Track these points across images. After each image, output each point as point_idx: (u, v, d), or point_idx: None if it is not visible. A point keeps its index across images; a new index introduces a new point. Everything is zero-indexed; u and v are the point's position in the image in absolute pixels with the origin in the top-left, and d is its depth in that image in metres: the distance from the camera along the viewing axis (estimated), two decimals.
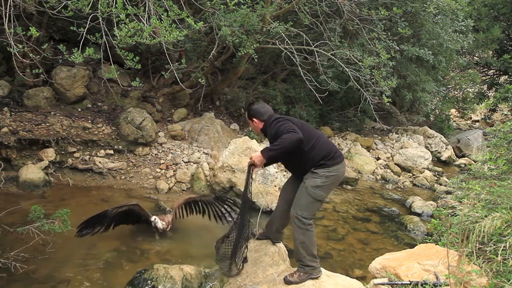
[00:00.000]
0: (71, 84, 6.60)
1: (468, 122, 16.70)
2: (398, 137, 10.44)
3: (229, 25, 5.68)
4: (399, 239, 5.33)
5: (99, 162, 6.06)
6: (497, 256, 2.73)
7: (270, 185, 5.79)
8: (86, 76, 6.85)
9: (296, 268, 3.07)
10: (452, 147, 11.01)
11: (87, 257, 3.93)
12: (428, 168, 9.00)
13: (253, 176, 3.29)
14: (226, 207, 4.65)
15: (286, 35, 6.28)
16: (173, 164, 6.53)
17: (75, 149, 6.02)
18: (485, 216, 3.14)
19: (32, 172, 5.35)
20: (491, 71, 14.74)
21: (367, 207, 6.55)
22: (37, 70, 3.77)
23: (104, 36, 3.66)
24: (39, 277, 3.53)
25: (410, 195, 7.30)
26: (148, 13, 3.77)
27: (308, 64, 7.08)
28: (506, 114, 13.99)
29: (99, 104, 7.07)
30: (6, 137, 5.46)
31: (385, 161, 9.12)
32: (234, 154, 5.98)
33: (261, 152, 2.90)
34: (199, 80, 5.30)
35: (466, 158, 10.55)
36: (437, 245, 3.35)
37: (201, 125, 7.40)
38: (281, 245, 3.56)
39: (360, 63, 6.57)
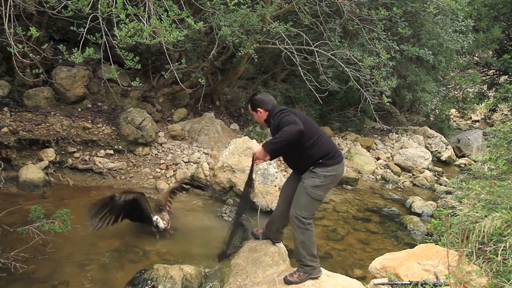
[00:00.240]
0: (71, 84, 6.59)
1: (468, 122, 16.70)
2: (398, 137, 10.44)
3: (229, 25, 5.68)
4: (399, 239, 5.33)
5: (99, 162, 6.06)
6: (497, 256, 2.73)
7: (270, 185, 5.80)
8: (86, 76, 6.85)
9: (296, 268, 3.07)
10: (452, 147, 11.02)
11: (87, 257, 3.94)
12: (428, 168, 9.00)
13: (253, 176, 3.31)
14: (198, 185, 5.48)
15: (286, 35, 6.28)
16: (173, 164, 6.53)
17: (75, 149, 6.02)
18: (485, 216, 3.14)
19: (32, 172, 5.35)
20: (491, 71, 14.74)
21: (367, 207, 6.55)
22: (37, 70, 3.77)
23: (104, 36, 3.66)
24: (39, 277, 3.53)
25: (410, 195, 7.31)
26: (148, 13, 3.77)
27: (308, 64, 7.08)
28: (506, 114, 13.99)
29: (99, 104, 7.07)
30: (6, 137, 5.46)
31: (385, 161, 9.12)
32: (234, 154, 5.98)
33: (262, 146, 2.90)
34: (199, 80, 5.30)
35: (466, 158, 10.55)
36: (437, 245, 3.35)
37: (201, 125, 7.40)
38: (281, 245, 3.56)
39: (360, 63, 6.57)
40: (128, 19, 3.50)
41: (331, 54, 6.74)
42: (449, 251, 2.68)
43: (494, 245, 2.87)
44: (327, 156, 2.93)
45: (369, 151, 9.26)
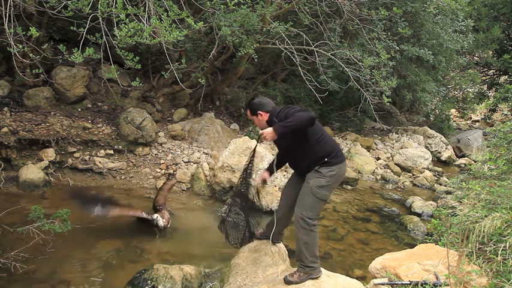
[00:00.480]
0: (71, 84, 6.60)
1: (468, 122, 16.70)
2: (398, 137, 10.44)
3: (229, 25, 5.68)
4: (399, 239, 5.33)
5: (99, 162, 6.06)
6: (497, 256, 2.73)
7: (270, 185, 5.79)
8: (86, 76, 6.85)
9: (296, 268, 3.06)
10: (452, 147, 11.02)
11: (87, 257, 3.94)
12: (428, 168, 9.00)
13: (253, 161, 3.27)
14: None
15: (286, 35, 6.28)
16: (173, 164, 6.53)
17: (75, 149, 6.02)
18: (485, 216, 3.14)
19: (32, 172, 5.35)
20: (491, 71, 14.74)
21: (367, 207, 6.55)
22: (37, 70, 3.77)
23: (104, 36, 3.66)
24: (39, 277, 3.53)
25: (410, 195, 7.31)
26: (148, 13, 3.77)
27: (308, 64, 7.09)
28: (506, 114, 13.99)
29: (99, 104, 7.07)
30: (6, 137, 5.46)
31: (385, 161, 9.12)
32: (234, 154, 5.98)
33: (273, 128, 2.77)
34: (199, 80, 5.30)
35: (466, 158, 10.56)
36: (437, 245, 3.35)
37: (201, 125, 7.40)
38: (281, 245, 3.56)
39: (360, 63, 6.57)
40: (128, 19, 3.50)
41: (331, 54, 6.74)
42: (449, 251, 2.67)
43: (494, 245, 2.87)
44: (331, 155, 2.91)
45: (369, 151, 9.26)
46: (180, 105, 8.12)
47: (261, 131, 2.86)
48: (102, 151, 6.25)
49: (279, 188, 5.75)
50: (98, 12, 3.50)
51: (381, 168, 8.78)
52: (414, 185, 8.26)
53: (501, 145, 4.93)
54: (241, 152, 6.00)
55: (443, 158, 10.32)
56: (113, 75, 3.80)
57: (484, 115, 16.04)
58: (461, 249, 2.75)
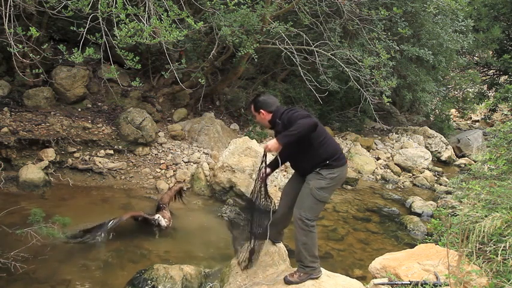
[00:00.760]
0: (71, 84, 6.60)
1: (468, 122, 16.69)
2: (398, 137, 10.44)
3: (229, 25, 5.68)
4: (399, 239, 5.33)
5: (99, 162, 6.06)
6: (497, 256, 2.73)
7: (269, 185, 5.79)
8: (86, 76, 6.85)
9: (296, 268, 3.06)
10: (452, 147, 11.01)
11: (87, 257, 3.94)
12: (428, 168, 9.00)
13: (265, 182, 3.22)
14: None
15: (286, 35, 6.28)
16: (173, 164, 6.53)
17: (75, 149, 6.02)
18: (485, 216, 3.13)
19: (32, 172, 5.35)
20: (491, 71, 14.74)
21: (367, 207, 6.55)
22: (37, 70, 3.77)
23: (104, 36, 3.66)
24: (39, 277, 3.53)
25: (410, 195, 7.31)
26: (148, 13, 3.77)
27: (308, 64, 7.08)
28: (506, 114, 13.98)
29: (99, 104, 7.07)
30: (6, 137, 5.46)
31: (385, 161, 9.12)
32: (234, 154, 5.98)
33: (276, 138, 2.81)
34: (199, 80, 5.30)
35: (466, 158, 10.55)
36: (437, 245, 3.35)
37: (201, 125, 7.40)
38: (281, 245, 3.56)
39: (360, 63, 6.57)
40: (128, 19, 3.50)
41: (331, 54, 6.74)
42: (449, 251, 2.67)
43: (494, 245, 2.87)
44: (333, 157, 2.91)
45: (369, 151, 9.26)
46: (180, 105, 8.12)
47: (265, 145, 2.89)
48: (102, 151, 6.25)
49: (279, 188, 5.76)
50: (98, 12, 3.51)
51: (380, 168, 8.78)
52: (414, 185, 8.26)
53: (501, 145, 4.92)
54: (241, 152, 6.00)
55: (443, 158, 10.32)
56: (113, 75, 3.81)
57: (484, 115, 16.04)
58: (461, 249, 2.75)
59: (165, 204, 4.81)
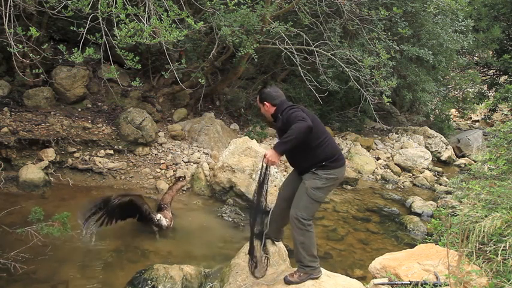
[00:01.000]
0: (71, 84, 6.60)
1: (468, 122, 16.69)
2: (398, 137, 10.44)
3: (229, 25, 5.68)
4: (399, 239, 5.33)
5: (99, 162, 6.06)
6: (497, 256, 2.73)
7: (270, 185, 5.79)
8: (86, 76, 6.85)
9: (296, 268, 3.07)
10: (452, 147, 11.01)
11: (87, 257, 3.94)
12: (428, 168, 9.00)
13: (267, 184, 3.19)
14: None
15: (286, 35, 6.27)
16: (173, 164, 6.53)
17: (75, 149, 6.02)
18: (485, 216, 3.13)
19: (32, 172, 5.35)
20: (491, 71, 14.74)
21: (367, 207, 6.55)
22: (37, 70, 3.77)
23: (104, 36, 3.66)
24: (39, 277, 3.53)
25: (410, 195, 7.30)
26: (148, 13, 3.77)
27: (308, 64, 7.08)
28: (506, 114, 13.98)
29: (99, 104, 7.07)
30: (6, 137, 5.46)
31: (385, 161, 9.12)
32: (234, 154, 5.98)
33: (274, 148, 2.83)
34: (199, 80, 5.30)
35: (466, 158, 10.55)
36: (437, 245, 3.35)
37: (201, 125, 7.40)
38: (281, 245, 3.56)
39: (360, 63, 6.57)
40: (128, 19, 3.50)
41: (331, 54, 6.74)
42: (449, 251, 2.67)
43: (494, 245, 2.87)
44: (331, 159, 2.91)
45: (369, 151, 9.26)
46: (180, 105, 8.12)
47: (265, 159, 2.89)
48: (102, 151, 6.25)
49: (279, 188, 5.75)
50: (98, 12, 3.50)
51: (380, 168, 8.78)
52: (414, 185, 8.26)
53: (501, 145, 4.92)
54: (241, 152, 6.01)
55: (443, 158, 10.31)
56: (113, 75, 3.81)
57: (484, 115, 16.03)
58: (461, 249, 2.75)
59: (166, 204, 4.80)
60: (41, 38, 6.00)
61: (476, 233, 2.97)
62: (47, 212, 3.71)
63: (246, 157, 5.93)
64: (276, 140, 7.47)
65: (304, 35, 6.52)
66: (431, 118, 12.35)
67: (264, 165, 3.06)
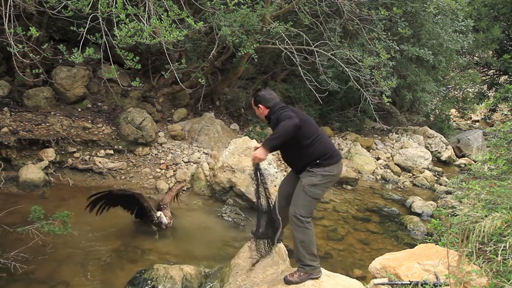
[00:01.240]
0: (71, 84, 6.60)
1: (468, 122, 16.69)
2: (398, 137, 10.44)
3: (229, 25, 5.68)
4: (399, 239, 5.33)
5: (99, 162, 6.06)
6: (497, 256, 2.73)
7: (270, 185, 5.79)
8: (86, 76, 6.85)
9: (296, 268, 3.07)
10: (452, 147, 11.01)
11: (87, 257, 3.94)
12: (428, 168, 9.00)
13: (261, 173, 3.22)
14: None
15: (286, 35, 6.27)
16: (173, 164, 6.53)
17: (75, 149, 6.02)
18: (485, 216, 3.13)
19: (32, 172, 5.35)
20: (491, 71, 14.74)
21: (367, 207, 6.55)
22: (37, 70, 3.77)
23: (104, 36, 3.66)
24: (39, 277, 3.53)
25: (410, 195, 7.30)
26: (148, 13, 3.77)
27: (308, 64, 7.08)
28: (506, 114, 13.98)
29: (99, 104, 7.07)
30: (6, 137, 5.46)
31: (385, 161, 9.12)
32: (234, 154, 5.98)
33: (262, 145, 2.91)
34: (199, 80, 5.30)
35: (466, 158, 10.55)
36: (437, 245, 3.35)
37: (201, 125, 7.40)
38: (281, 245, 3.56)
39: (360, 63, 6.57)
40: (128, 19, 3.50)
41: (331, 54, 6.74)
42: (449, 251, 2.67)
43: (494, 245, 2.87)
44: (323, 157, 2.96)
45: (369, 151, 9.26)
46: (180, 105, 8.12)
47: (252, 157, 2.99)
48: (102, 151, 6.25)
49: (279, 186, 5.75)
50: (98, 12, 3.50)
51: (381, 168, 8.78)
52: (414, 185, 8.26)
53: (501, 145, 4.92)
54: (241, 152, 6.00)
55: (443, 158, 10.31)
56: (113, 75, 3.81)
57: (484, 115, 16.03)
58: (461, 249, 2.75)
59: (165, 205, 4.82)
60: (41, 38, 6.00)
61: (476, 233, 2.97)
62: (47, 212, 3.71)
63: (246, 157, 5.93)
64: None
65: (304, 35, 6.52)
66: (431, 118, 12.35)
67: (255, 165, 3.13)
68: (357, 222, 5.86)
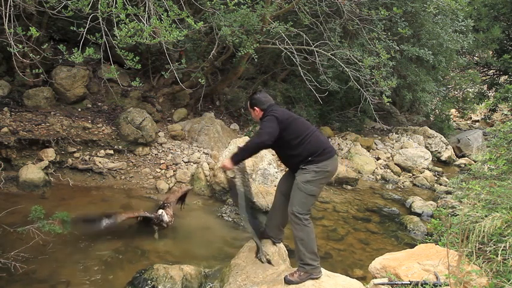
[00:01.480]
0: (71, 84, 6.59)
1: (468, 122, 16.69)
2: (398, 137, 10.44)
3: (229, 25, 5.68)
4: (399, 239, 5.33)
5: (99, 162, 6.06)
6: (497, 256, 2.73)
7: (270, 185, 5.79)
8: (86, 76, 6.85)
9: (296, 268, 3.07)
10: (452, 147, 11.01)
11: (87, 257, 3.94)
12: (428, 168, 9.00)
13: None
14: None
15: (286, 35, 6.27)
16: (173, 164, 6.53)
17: (75, 149, 6.02)
18: (485, 216, 3.14)
19: (32, 172, 5.35)
20: (491, 71, 14.74)
21: (367, 207, 6.55)
22: (37, 70, 3.77)
23: (104, 36, 3.66)
24: (39, 277, 3.53)
25: (410, 195, 7.30)
26: (148, 13, 3.77)
27: (308, 64, 7.08)
28: (506, 114, 13.99)
29: (99, 104, 7.07)
30: (6, 137, 5.46)
31: (385, 161, 9.12)
32: None
33: (230, 158, 3.11)
34: (199, 80, 5.30)
35: (466, 158, 10.55)
36: (437, 245, 3.35)
37: (201, 125, 7.40)
38: (281, 245, 3.56)
39: (360, 63, 6.57)
40: (128, 19, 3.50)
41: (331, 54, 6.74)
42: (449, 251, 2.68)
43: (494, 245, 2.87)
44: (315, 154, 3.01)
45: (369, 151, 9.26)
46: (180, 105, 8.12)
47: (221, 165, 3.24)
48: (102, 151, 6.25)
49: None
50: (98, 12, 3.50)
51: (380, 168, 8.78)
52: (414, 185, 8.26)
53: (501, 145, 4.92)
54: None
55: (443, 158, 10.32)
56: (113, 75, 3.81)
57: (484, 115, 16.04)
58: (461, 249, 2.75)
59: (169, 204, 4.83)
60: (41, 38, 6.00)
61: (476, 233, 2.97)
62: (47, 212, 3.71)
63: None
64: None
65: (304, 35, 6.52)
66: (431, 118, 12.35)
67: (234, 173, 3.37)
68: (357, 222, 5.86)
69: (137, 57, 3.85)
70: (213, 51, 6.17)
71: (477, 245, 2.94)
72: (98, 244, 4.18)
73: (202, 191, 6.06)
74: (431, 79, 9.53)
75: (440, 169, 9.47)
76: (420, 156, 9.07)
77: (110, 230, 4.29)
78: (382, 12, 6.35)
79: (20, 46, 3.37)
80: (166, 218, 4.47)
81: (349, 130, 10.14)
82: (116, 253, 4.08)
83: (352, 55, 6.67)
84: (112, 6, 3.49)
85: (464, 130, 13.98)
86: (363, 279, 3.77)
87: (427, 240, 4.34)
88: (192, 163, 6.61)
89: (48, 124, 6.04)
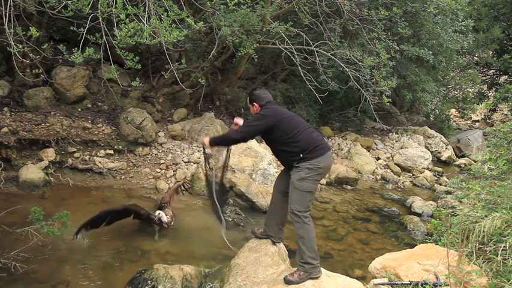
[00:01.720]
0: (71, 84, 6.59)
1: (468, 122, 16.69)
2: (398, 137, 10.44)
3: (229, 25, 5.68)
4: (399, 239, 5.33)
5: (99, 162, 6.06)
6: (497, 256, 2.73)
7: (270, 185, 5.80)
8: (86, 76, 6.85)
9: (296, 268, 3.07)
10: (452, 147, 11.01)
11: (87, 257, 3.94)
12: (428, 168, 9.00)
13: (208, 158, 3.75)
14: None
15: (286, 35, 6.27)
16: (173, 164, 6.53)
17: (75, 149, 6.02)
18: (485, 216, 3.14)
19: (32, 172, 5.35)
20: (491, 71, 14.74)
21: (367, 207, 6.55)
22: (37, 70, 3.77)
23: (104, 36, 3.66)
24: (39, 277, 3.53)
25: (410, 195, 7.30)
26: (148, 13, 3.77)
27: (308, 64, 7.08)
28: (506, 114, 13.98)
29: (99, 104, 7.07)
30: (6, 137, 5.46)
31: (385, 161, 9.12)
32: (234, 154, 5.98)
33: (210, 138, 3.33)
34: (199, 80, 5.30)
35: (466, 158, 10.55)
36: (437, 245, 3.35)
37: (201, 125, 7.40)
38: (281, 245, 3.57)
39: (360, 63, 6.57)
40: (128, 19, 3.50)
41: (331, 54, 6.74)
42: (449, 251, 2.68)
43: (494, 245, 2.87)
44: (306, 151, 3.04)
45: (369, 151, 9.26)
46: (180, 105, 8.11)
47: (202, 139, 3.44)
48: (102, 151, 6.25)
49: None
50: (98, 12, 3.50)
51: (381, 168, 8.78)
52: (414, 185, 8.26)
53: (501, 145, 4.92)
54: (241, 152, 6.01)
55: (443, 158, 10.31)
56: (113, 75, 3.81)
57: (484, 115, 16.04)
58: (461, 249, 2.75)
59: (166, 203, 4.83)
60: (41, 38, 6.00)
61: (476, 233, 2.97)
62: (47, 212, 3.70)
63: (246, 157, 5.93)
64: None
65: (304, 35, 6.52)
66: (431, 118, 12.35)
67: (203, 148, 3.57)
68: (357, 222, 5.86)
69: (137, 57, 3.85)
70: (213, 51, 6.17)
71: (477, 245, 2.94)
72: (98, 244, 4.18)
73: (202, 191, 6.05)
74: (431, 79, 9.53)
75: (440, 169, 9.47)
76: (420, 156, 9.07)
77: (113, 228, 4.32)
78: (382, 12, 6.35)
79: (20, 46, 3.37)
80: (165, 218, 4.47)
81: (349, 130, 10.14)
82: (116, 253, 4.08)
83: (352, 55, 6.67)
84: (112, 6, 3.49)
85: (464, 130, 13.98)
86: (363, 279, 3.76)
87: (427, 240, 4.34)
88: (192, 163, 6.61)
89: (48, 124, 6.04)
